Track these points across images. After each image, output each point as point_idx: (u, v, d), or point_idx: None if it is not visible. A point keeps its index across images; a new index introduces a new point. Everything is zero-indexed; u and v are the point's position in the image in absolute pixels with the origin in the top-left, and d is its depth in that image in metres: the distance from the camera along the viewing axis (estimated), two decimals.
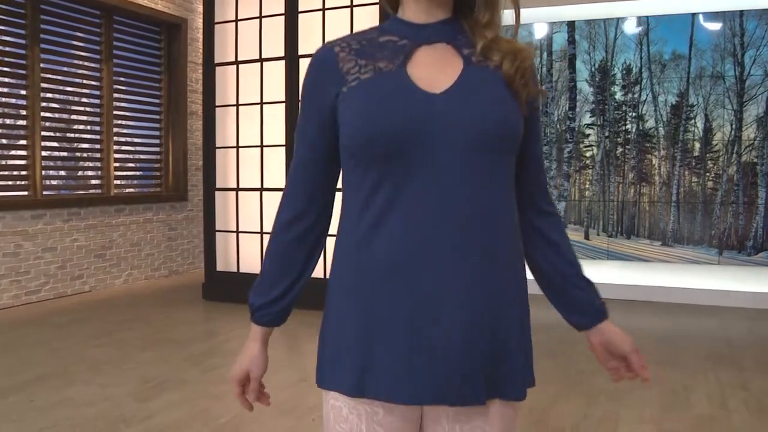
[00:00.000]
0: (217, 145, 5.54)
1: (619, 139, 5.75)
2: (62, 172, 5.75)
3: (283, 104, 5.23)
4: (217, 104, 5.53)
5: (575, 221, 5.90)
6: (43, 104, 5.48)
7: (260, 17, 5.33)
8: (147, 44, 6.55)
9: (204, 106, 5.62)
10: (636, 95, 5.65)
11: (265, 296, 1.13)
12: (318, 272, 1.13)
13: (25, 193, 5.36)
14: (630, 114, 5.69)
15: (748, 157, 5.40)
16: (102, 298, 5.56)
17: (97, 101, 6.00)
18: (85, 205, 5.77)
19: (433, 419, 1.06)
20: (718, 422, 2.91)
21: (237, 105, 5.47)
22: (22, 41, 5.31)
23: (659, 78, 5.57)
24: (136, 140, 6.47)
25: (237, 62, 5.45)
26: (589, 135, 5.84)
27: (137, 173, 6.53)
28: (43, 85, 5.47)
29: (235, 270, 5.47)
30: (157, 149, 6.74)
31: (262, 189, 5.38)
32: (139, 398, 3.13)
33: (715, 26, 5.38)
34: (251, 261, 5.39)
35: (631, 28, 5.62)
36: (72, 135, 5.80)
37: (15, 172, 5.32)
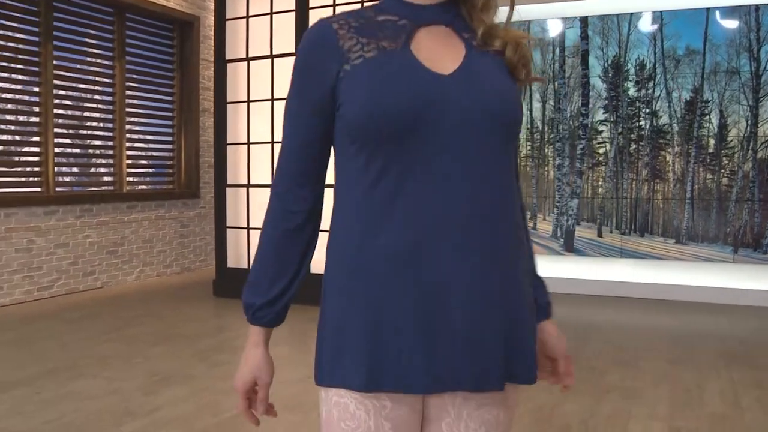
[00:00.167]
0: (228, 142, 5.55)
1: (632, 136, 5.69)
2: (75, 169, 5.78)
3: None
4: (228, 101, 5.54)
5: (588, 218, 5.84)
6: (56, 101, 5.52)
7: (271, 13, 5.33)
8: (159, 42, 6.58)
9: (215, 102, 5.63)
10: (649, 91, 5.59)
11: (264, 296, 1.08)
12: (320, 267, 1.09)
13: (38, 189, 5.40)
14: (643, 110, 5.63)
15: (764, 154, 5.32)
16: (113, 295, 5.59)
17: (109, 98, 6.03)
18: (98, 202, 5.80)
19: (438, 407, 1.04)
20: (730, 420, 2.87)
21: (248, 101, 5.47)
22: (36, 39, 5.34)
23: (673, 74, 5.50)
24: (148, 137, 6.50)
25: (248, 59, 5.45)
26: (602, 131, 5.78)
27: (150, 170, 6.56)
28: (56, 82, 5.50)
29: (246, 266, 5.48)
30: (169, 146, 6.76)
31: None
32: (145, 392, 3.13)
33: (731, 23, 5.31)
34: None
35: (646, 26, 5.56)
36: (85, 132, 5.83)
37: (28, 169, 5.35)
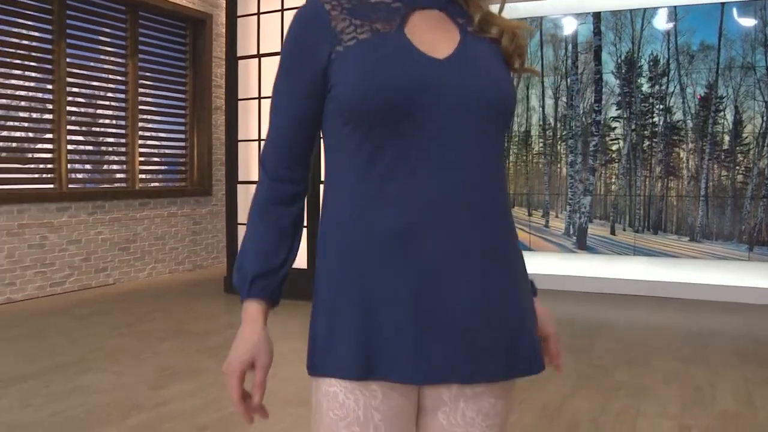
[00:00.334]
0: (239, 138, 5.56)
1: (646, 132, 5.63)
2: (88, 166, 5.82)
3: None
4: (239, 97, 5.55)
5: (601, 216, 5.79)
6: (69, 99, 5.55)
7: (282, 10, 5.34)
8: (172, 40, 6.60)
9: (226, 99, 5.64)
10: (663, 87, 5.52)
11: (263, 265, 1.02)
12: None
13: (51, 186, 5.44)
14: (657, 106, 5.57)
15: None
16: (125, 291, 5.61)
17: (122, 96, 6.06)
18: (110, 199, 5.83)
19: (434, 397, 1.02)
20: (743, 419, 2.83)
21: (259, 98, 5.48)
22: (49, 36, 5.38)
23: (687, 69, 5.43)
24: (161, 135, 6.53)
25: (259, 55, 5.46)
26: (615, 128, 5.73)
27: (162, 167, 6.58)
28: (69, 79, 5.54)
29: None
30: (182, 144, 6.79)
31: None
32: (152, 386, 3.14)
33: (747, 21, 5.23)
34: None
35: (661, 24, 5.49)
36: (97, 129, 5.87)
37: (41, 165, 5.40)
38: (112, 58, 5.94)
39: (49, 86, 5.40)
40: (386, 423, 0.99)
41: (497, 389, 1.02)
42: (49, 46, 5.38)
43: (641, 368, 3.53)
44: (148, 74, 6.30)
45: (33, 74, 5.29)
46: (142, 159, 6.26)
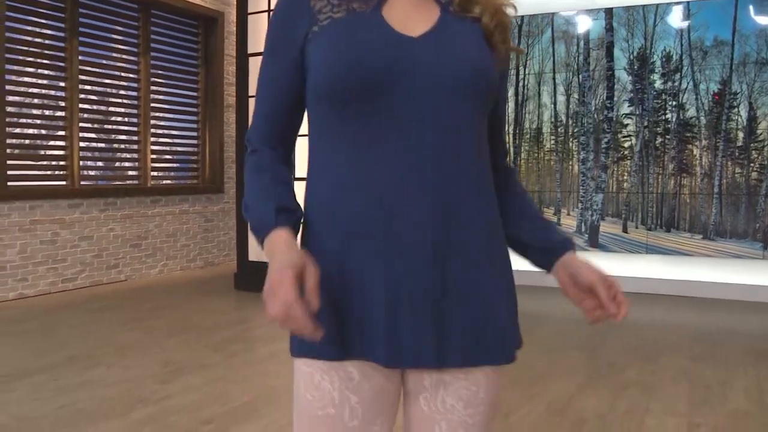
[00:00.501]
0: None
1: (658, 129, 5.57)
2: (100, 163, 5.86)
3: None
4: (250, 95, 5.55)
5: (613, 214, 5.74)
6: (82, 96, 5.59)
7: None
8: (184, 38, 6.63)
9: (237, 96, 5.65)
10: (676, 83, 5.46)
11: (281, 202, 0.96)
12: None
13: (63, 182, 5.47)
14: (670, 103, 5.51)
15: None
16: (136, 287, 5.64)
17: (134, 93, 6.09)
18: (122, 195, 5.86)
19: (415, 381, 1.02)
20: (753, 417, 2.78)
21: None
22: (62, 34, 5.42)
23: (701, 65, 5.37)
24: (173, 132, 6.55)
25: None
26: (627, 125, 5.67)
27: (174, 165, 6.61)
28: (82, 77, 5.58)
29: (267, 260, 5.48)
30: (194, 141, 6.81)
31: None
32: (159, 380, 3.15)
33: (762, 17, 5.17)
34: None
35: (676, 21, 5.44)
36: (109, 126, 5.90)
37: (53, 162, 5.43)
38: (124, 56, 5.97)
39: (62, 84, 5.44)
40: (363, 405, 0.98)
41: (479, 377, 1.00)
42: (62, 44, 5.42)
43: (652, 366, 3.49)
44: (160, 72, 6.33)
45: (46, 72, 5.32)
46: (154, 156, 6.29)
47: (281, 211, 0.96)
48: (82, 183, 5.61)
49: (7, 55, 4.96)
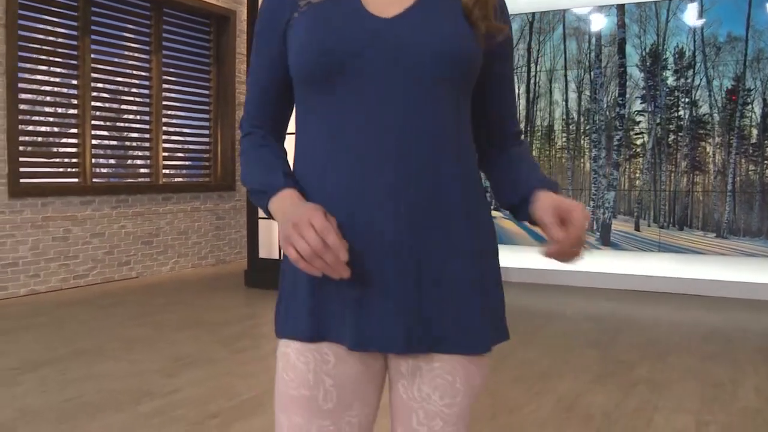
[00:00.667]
0: None
1: (671, 126, 5.52)
2: (112, 161, 5.89)
3: None
4: None
5: (625, 211, 5.69)
6: (94, 94, 5.62)
7: None
8: (196, 36, 6.66)
9: None
10: (689, 80, 5.41)
11: (288, 170, 1.01)
12: None
13: (75, 179, 5.51)
14: (683, 100, 5.46)
15: None
16: (147, 284, 5.67)
17: (146, 92, 6.12)
18: (134, 193, 5.89)
19: (394, 368, 1.02)
20: (763, 415, 2.75)
21: None
22: (74, 33, 5.45)
23: (714, 61, 5.32)
24: (185, 130, 6.58)
25: None
26: (639, 122, 5.63)
27: (186, 163, 6.64)
28: (94, 75, 5.61)
29: (277, 257, 5.50)
30: (205, 139, 6.84)
31: None
32: (166, 374, 3.16)
33: None
34: None
35: (689, 17, 5.38)
36: (122, 124, 5.93)
37: (66, 159, 5.47)
38: (136, 54, 6.01)
39: (74, 82, 5.48)
40: (338, 389, 0.99)
41: (455, 366, 0.99)
42: (74, 42, 5.46)
43: (662, 364, 3.46)
44: (172, 70, 6.36)
45: (58, 70, 5.36)
46: (165, 154, 6.32)
47: (288, 175, 0.99)
48: (94, 180, 5.65)
49: (20, 53, 5.01)
